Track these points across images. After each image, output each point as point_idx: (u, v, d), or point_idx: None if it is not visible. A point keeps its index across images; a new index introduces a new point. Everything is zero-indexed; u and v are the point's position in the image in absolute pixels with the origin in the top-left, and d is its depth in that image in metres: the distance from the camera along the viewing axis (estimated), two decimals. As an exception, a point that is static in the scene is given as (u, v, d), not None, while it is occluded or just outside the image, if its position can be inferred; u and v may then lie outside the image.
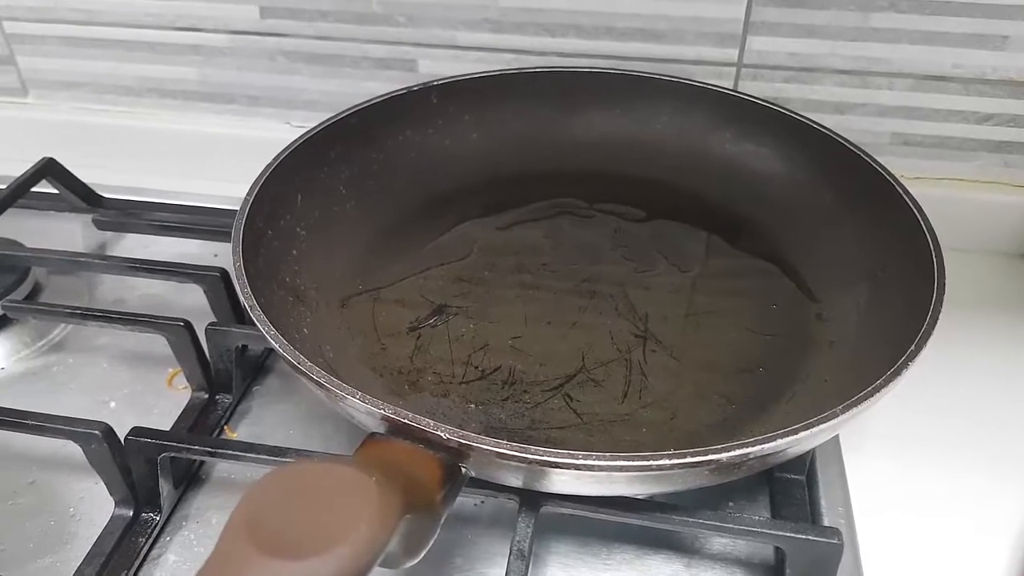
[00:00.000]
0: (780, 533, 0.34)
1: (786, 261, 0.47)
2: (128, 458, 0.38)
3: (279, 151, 0.45)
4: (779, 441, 0.30)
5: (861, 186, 0.45)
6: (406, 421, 0.30)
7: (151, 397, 0.47)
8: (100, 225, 0.57)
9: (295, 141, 0.46)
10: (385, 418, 0.30)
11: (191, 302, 0.51)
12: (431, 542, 0.29)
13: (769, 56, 0.53)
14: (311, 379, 0.32)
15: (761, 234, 0.48)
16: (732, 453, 0.29)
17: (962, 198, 0.55)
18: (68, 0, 0.61)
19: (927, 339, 0.34)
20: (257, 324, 0.34)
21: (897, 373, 0.32)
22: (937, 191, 0.55)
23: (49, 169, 0.57)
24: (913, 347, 0.33)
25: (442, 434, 0.29)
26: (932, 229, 0.40)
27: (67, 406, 0.46)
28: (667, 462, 0.29)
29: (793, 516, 0.39)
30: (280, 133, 0.55)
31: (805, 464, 0.41)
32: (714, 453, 0.29)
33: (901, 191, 0.42)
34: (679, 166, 0.52)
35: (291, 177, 0.45)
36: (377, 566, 0.27)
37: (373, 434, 0.31)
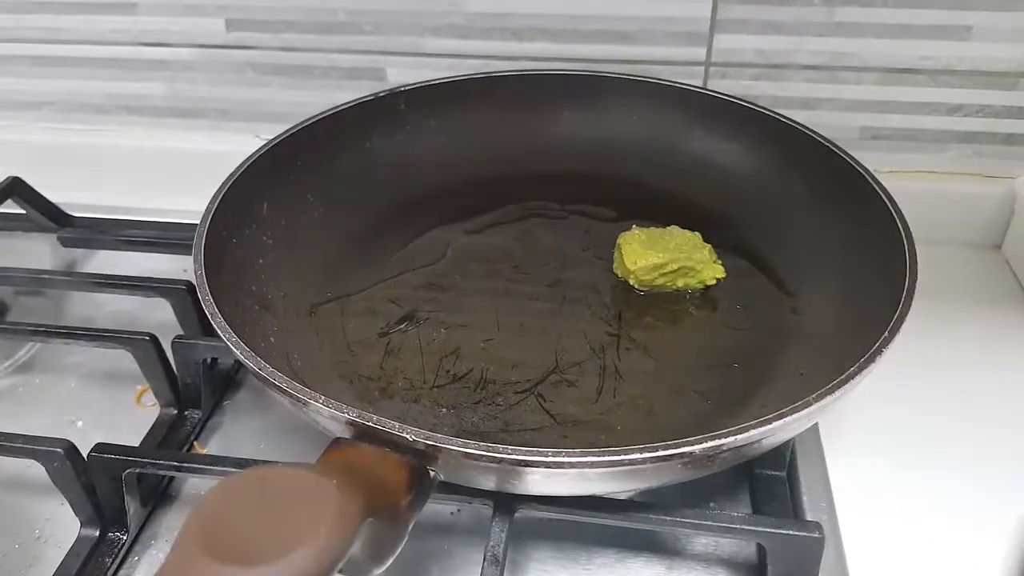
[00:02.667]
0: (760, 529, 0.34)
1: (759, 257, 0.46)
2: (92, 476, 0.37)
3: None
4: (752, 432, 0.29)
5: (833, 179, 0.45)
6: (371, 424, 0.29)
7: (119, 415, 0.46)
8: (65, 242, 0.56)
9: (259, 149, 0.46)
10: (350, 422, 0.30)
11: (160, 318, 0.50)
12: (398, 549, 0.28)
13: (737, 54, 0.53)
14: (273, 385, 0.31)
15: (734, 230, 0.48)
16: (705, 445, 0.29)
17: (934, 190, 0.55)
18: (31, 19, 0.60)
19: (899, 327, 0.34)
20: (219, 333, 0.34)
21: (870, 361, 0.32)
22: (909, 184, 0.55)
23: (15, 189, 0.56)
24: (886, 334, 0.33)
25: (408, 436, 0.29)
26: (904, 219, 0.40)
27: (34, 426, 0.45)
28: (639, 456, 0.28)
29: (775, 513, 0.39)
30: (250, 147, 0.54)
31: (785, 461, 0.40)
32: (687, 445, 0.29)
33: (873, 183, 0.42)
34: (650, 165, 0.52)
35: (256, 186, 0.45)
36: (343, 574, 0.26)
37: (338, 439, 0.30)
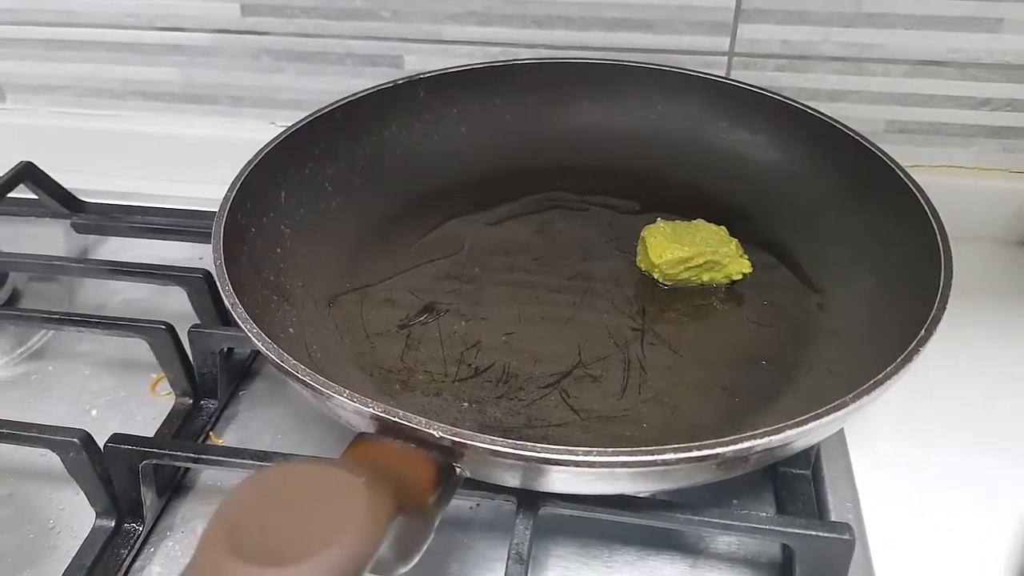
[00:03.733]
0: (789, 530, 0.33)
1: (785, 251, 0.46)
2: (108, 467, 0.37)
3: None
4: (787, 433, 0.29)
5: (861, 173, 0.44)
6: (396, 420, 0.28)
7: (134, 404, 0.46)
8: (79, 228, 0.55)
9: (277, 137, 0.45)
10: (374, 417, 0.29)
11: (175, 306, 0.49)
12: (424, 547, 0.28)
13: (761, 44, 0.52)
14: (296, 378, 0.31)
15: (758, 224, 0.47)
16: (738, 446, 0.28)
17: (960, 185, 0.54)
18: (45, 2, 0.59)
19: (936, 324, 0.33)
20: (239, 323, 0.33)
21: (908, 360, 0.31)
22: (934, 179, 0.53)
23: (27, 173, 0.56)
24: (923, 332, 0.32)
25: (435, 432, 0.28)
26: (937, 213, 0.39)
27: (47, 415, 0.45)
28: (672, 456, 0.27)
29: (799, 512, 0.38)
30: (265, 133, 0.54)
31: (810, 458, 0.40)
32: (720, 447, 0.28)
33: (903, 176, 0.41)
34: (673, 157, 0.51)
35: (274, 174, 0.44)
36: (369, 572, 0.26)
37: (362, 434, 0.30)
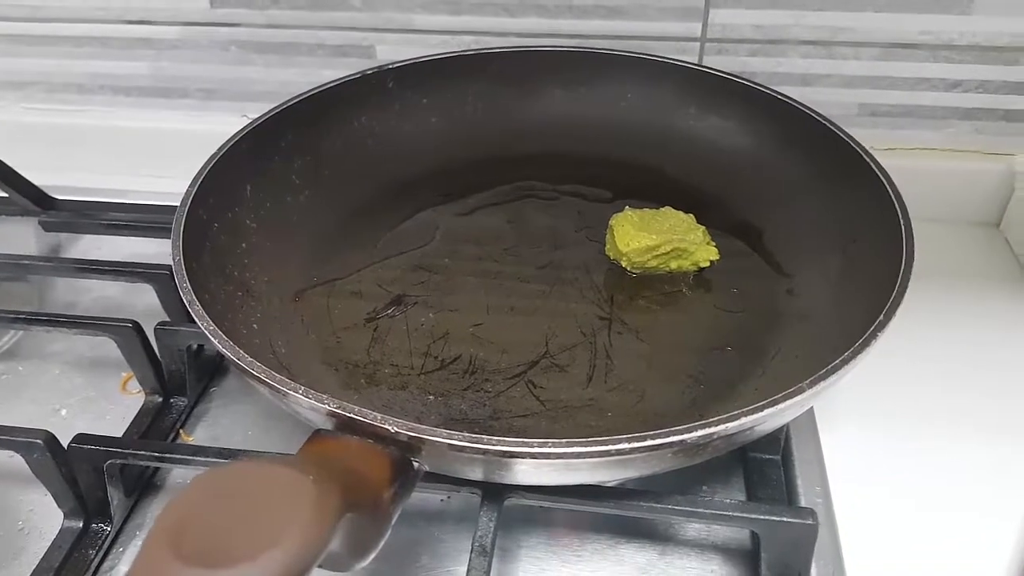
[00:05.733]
0: (752, 516, 0.33)
1: (755, 237, 0.45)
2: (73, 467, 0.37)
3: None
4: (744, 419, 0.29)
5: (829, 158, 0.44)
6: (352, 415, 0.28)
7: (104, 403, 0.46)
8: (48, 227, 0.55)
9: (242, 130, 0.45)
10: (330, 413, 0.29)
11: (146, 304, 0.49)
12: (381, 542, 0.27)
13: (733, 29, 0.52)
14: (252, 375, 0.30)
15: (729, 210, 0.47)
16: (696, 434, 0.28)
17: (933, 168, 0.54)
18: (11, -4, 0.59)
19: (895, 310, 0.33)
20: (195, 319, 0.33)
21: (865, 345, 0.31)
22: (907, 161, 0.54)
23: (-4, 171, 0.55)
24: (882, 317, 0.32)
25: (390, 427, 0.28)
26: (901, 198, 0.39)
27: (17, 415, 0.45)
28: (627, 446, 0.27)
29: (769, 497, 0.38)
30: (236, 126, 0.53)
31: (780, 443, 0.40)
32: (677, 434, 0.28)
33: (869, 161, 0.41)
34: (644, 144, 0.51)
35: (239, 167, 0.44)
36: (323, 568, 0.26)
37: (319, 431, 0.29)
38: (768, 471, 0.39)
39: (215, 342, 0.32)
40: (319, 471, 0.24)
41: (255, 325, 0.38)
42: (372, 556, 0.27)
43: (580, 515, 0.39)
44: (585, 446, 0.27)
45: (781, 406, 0.29)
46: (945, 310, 0.47)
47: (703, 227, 0.44)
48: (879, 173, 0.40)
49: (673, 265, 0.44)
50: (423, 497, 0.39)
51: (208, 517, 0.22)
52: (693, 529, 0.38)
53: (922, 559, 0.36)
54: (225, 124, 0.60)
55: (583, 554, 0.38)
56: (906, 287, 0.34)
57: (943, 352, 0.45)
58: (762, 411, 0.29)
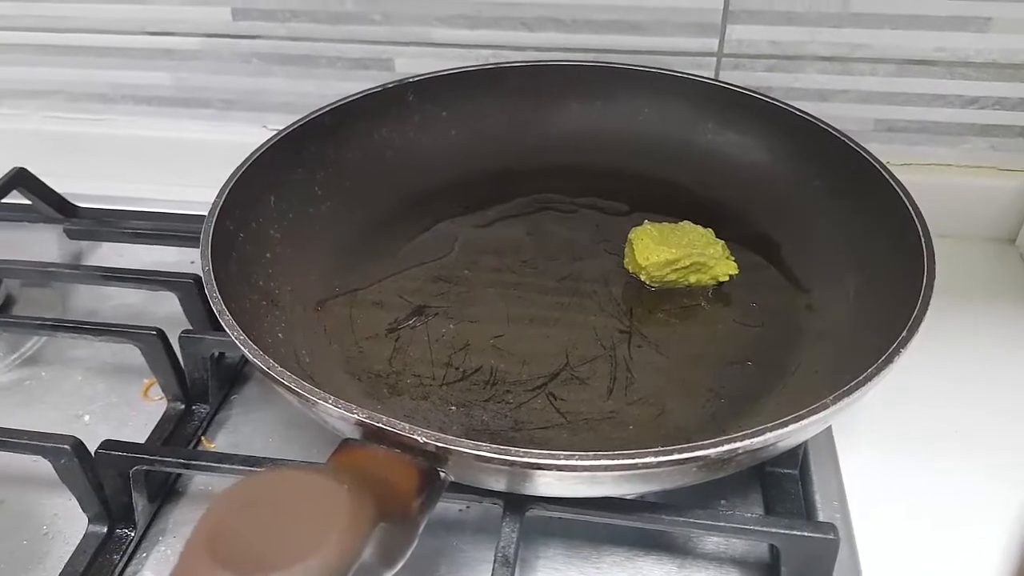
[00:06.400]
0: (774, 530, 0.33)
1: (773, 252, 0.46)
2: (100, 473, 0.37)
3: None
4: (768, 435, 0.29)
5: (848, 173, 0.44)
6: (380, 425, 0.29)
7: (126, 409, 0.46)
8: (72, 234, 0.56)
9: (267, 142, 0.45)
10: (359, 423, 0.29)
11: (167, 312, 0.50)
12: (409, 552, 0.28)
13: (750, 45, 0.52)
14: (281, 384, 0.31)
15: (747, 225, 0.47)
16: (720, 448, 0.28)
17: (949, 184, 0.54)
18: (35, 7, 0.60)
19: (917, 326, 0.33)
20: (226, 329, 0.33)
21: (888, 361, 0.31)
22: (924, 177, 0.54)
23: (20, 179, 0.56)
24: (904, 333, 0.32)
25: (419, 438, 0.28)
26: (920, 214, 0.39)
27: (40, 421, 0.45)
28: (653, 459, 0.28)
29: (787, 512, 0.38)
30: (256, 137, 0.54)
31: (798, 458, 0.40)
32: (702, 449, 0.28)
33: (888, 177, 0.41)
34: (661, 158, 0.51)
35: (264, 178, 0.44)
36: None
37: (347, 440, 0.30)
38: (786, 486, 0.40)
39: (245, 351, 0.32)
40: (352, 480, 0.25)
41: (280, 334, 0.39)
42: (400, 565, 0.28)
43: (598, 527, 0.39)
44: (612, 459, 0.28)
45: (804, 422, 0.29)
46: (960, 326, 0.47)
47: (722, 241, 0.44)
48: (898, 188, 0.40)
49: (692, 279, 0.44)
50: (442, 507, 0.39)
51: (246, 524, 0.23)
52: (712, 543, 0.39)
53: None
54: (245, 135, 0.61)
55: (601, 566, 0.38)
56: (928, 303, 0.34)
57: (958, 369, 0.45)
58: (787, 427, 0.29)
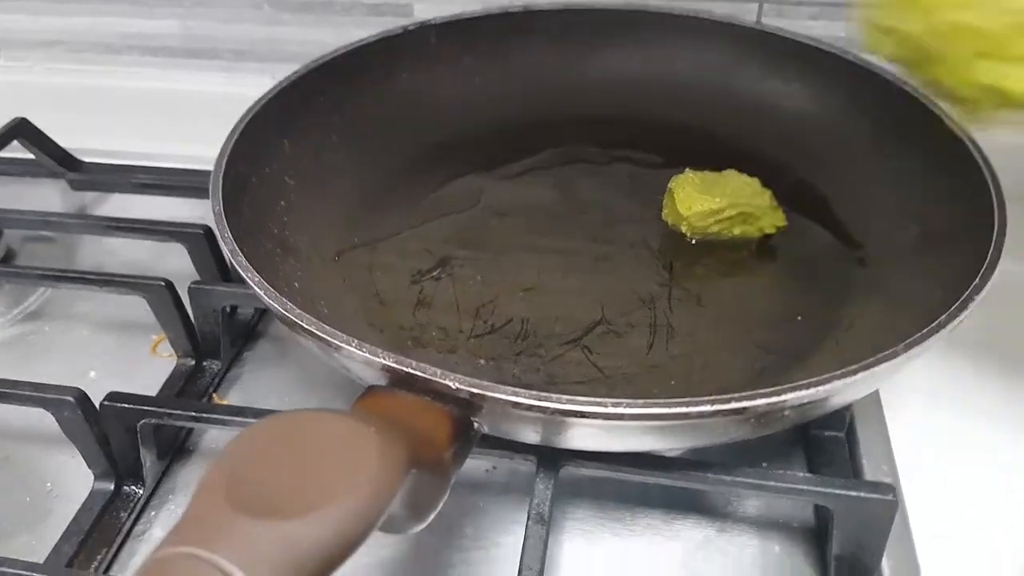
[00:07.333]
0: (827, 491, 0.31)
1: (821, 204, 0.43)
2: (105, 426, 0.35)
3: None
4: (826, 386, 0.27)
5: (904, 121, 0.41)
6: (410, 370, 0.26)
7: (134, 365, 0.44)
8: (75, 185, 0.53)
9: (279, 84, 0.43)
10: (386, 367, 0.27)
11: (176, 266, 0.47)
12: (440, 505, 0.26)
13: (793, -10, 0.49)
14: (303, 328, 0.28)
15: (792, 176, 0.44)
16: (775, 399, 0.26)
17: (1017, 142, 0.51)
18: (39, -48, 0.57)
19: (979, 292, 0.30)
20: (241, 272, 0.31)
21: (945, 324, 0.29)
22: (989, 134, 0.51)
23: (21, 130, 0.53)
24: (977, 280, 0.30)
25: (451, 383, 0.26)
26: (990, 164, 0.36)
27: (44, 376, 0.42)
28: (708, 408, 0.25)
29: (833, 475, 0.36)
30: (267, 89, 0.52)
31: (845, 420, 0.38)
32: (757, 398, 0.26)
33: (952, 124, 0.38)
34: (699, 107, 0.48)
35: (277, 122, 0.42)
36: (379, 530, 0.24)
37: (374, 387, 0.28)
38: (832, 448, 0.37)
39: (261, 295, 0.30)
40: (380, 424, 0.22)
41: (296, 284, 0.36)
42: (430, 518, 0.25)
43: (630, 487, 0.36)
44: (662, 407, 0.25)
45: (858, 376, 0.27)
46: (1019, 292, 0.45)
47: (769, 191, 0.41)
48: (968, 143, 0.37)
49: (737, 231, 0.41)
50: (468, 466, 0.37)
51: (265, 465, 0.20)
52: (752, 505, 0.36)
53: (995, 544, 0.33)
54: (255, 87, 0.58)
55: (636, 528, 0.36)
56: (1000, 253, 0.32)
57: (1012, 330, 0.42)
58: (847, 378, 0.27)
